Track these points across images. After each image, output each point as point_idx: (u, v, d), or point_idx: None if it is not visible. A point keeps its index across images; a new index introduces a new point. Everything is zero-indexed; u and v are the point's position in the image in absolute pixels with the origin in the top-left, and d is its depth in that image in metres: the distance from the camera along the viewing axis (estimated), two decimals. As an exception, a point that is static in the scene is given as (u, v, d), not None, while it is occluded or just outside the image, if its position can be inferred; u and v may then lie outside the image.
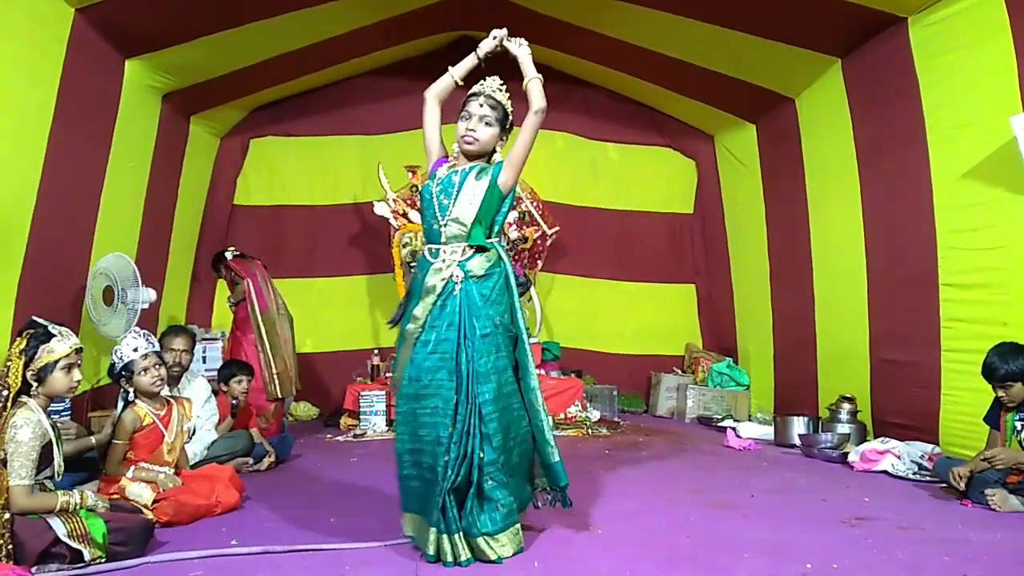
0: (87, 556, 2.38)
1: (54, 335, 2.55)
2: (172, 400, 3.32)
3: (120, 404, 3.37)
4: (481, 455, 2.49)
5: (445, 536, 2.44)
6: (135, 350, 3.15)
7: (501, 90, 2.72)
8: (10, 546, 2.27)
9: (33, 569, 2.31)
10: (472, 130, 2.66)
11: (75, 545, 2.36)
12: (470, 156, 2.72)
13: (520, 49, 2.74)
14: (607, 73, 6.70)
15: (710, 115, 6.68)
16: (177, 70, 5.11)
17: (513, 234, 6.38)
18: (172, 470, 3.18)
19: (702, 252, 7.27)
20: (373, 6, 5.44)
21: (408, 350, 2.58)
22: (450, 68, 2.78)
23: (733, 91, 5.97)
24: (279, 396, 5.00)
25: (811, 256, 5.59)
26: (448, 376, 2.50)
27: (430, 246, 2.66)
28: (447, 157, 2.77)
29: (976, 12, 3.89)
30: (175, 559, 2.50)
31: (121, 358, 3.16)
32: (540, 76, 2.68)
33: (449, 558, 2.43)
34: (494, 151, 2.76)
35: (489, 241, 2.66)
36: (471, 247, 2.61)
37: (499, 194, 2.66)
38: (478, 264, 2.60)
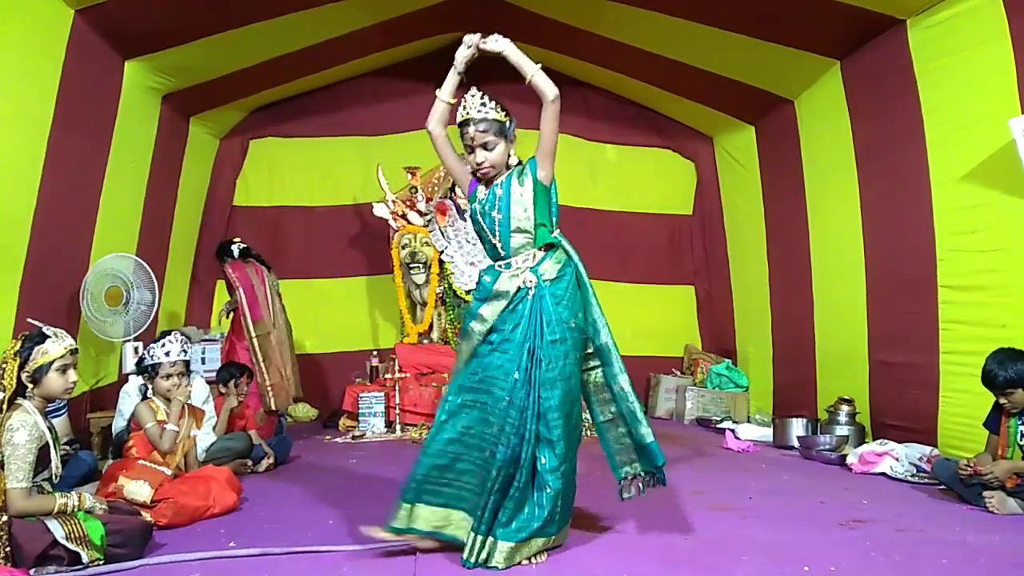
0: (85, 558, 2.38)
1: (48, 336, 2.55)
2: (184, 406, 3.34)
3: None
4: (543, 461, 2.50)
5: (475, 535, 2.44)
6: (167, 354, 3.26)
7: (485, 105, 2.60)
8: (8, 548, 2.27)
9: (31, 571, 2.31)
10: (481, 162, 2.61)
11: (73, 547, 2.36)
12: (496, 176, 2.66)
13: (501, 45, 2.58)
14: (606, 74, 6.70)
15: (709, 117, 6.68)
16: (177, 71, 5.12)
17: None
18: (171, 472, 3.17)
19: (701, 253, 7.27)
20: (372, 7, 5.44)
21: (469, 345, 2.59)
22: (437, 92, 2.66)
23: (732, 93, 5.97)
24: (273, 408, 4.95)
25: (810, 258, 5.59)
26: (503, 377, 2.51)
27: (499, 262, 2.64)
28: (476, 177, 2.71)
29: (975, 15, 3.90)
30: (173, 561, 2.50)
31: (152, 357, 3.25)
32: (539, 64, 2.58)
33: (476, 558, 2.43)
34: (509, 155, 2.69)
35: (554, 235, 2.64)
36: (540, 249, 2.61)
37: (543, 189, 2.63)
38: (550, 267, 2.60)
